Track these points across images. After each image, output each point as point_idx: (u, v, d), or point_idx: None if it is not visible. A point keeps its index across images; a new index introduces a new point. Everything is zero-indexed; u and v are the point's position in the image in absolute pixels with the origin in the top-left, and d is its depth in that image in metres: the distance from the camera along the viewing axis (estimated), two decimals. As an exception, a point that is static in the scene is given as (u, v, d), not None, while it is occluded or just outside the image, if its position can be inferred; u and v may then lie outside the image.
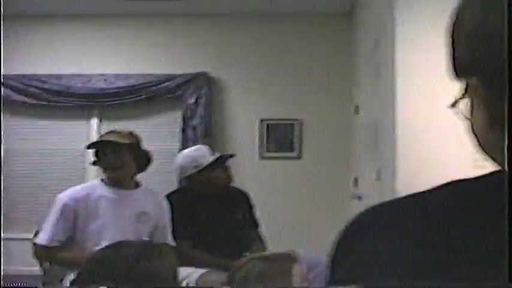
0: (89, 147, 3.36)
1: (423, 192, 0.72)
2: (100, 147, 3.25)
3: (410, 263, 0.63)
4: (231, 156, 4.01)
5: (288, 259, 1.96)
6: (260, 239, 3.94)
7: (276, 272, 1.88)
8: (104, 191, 3.26)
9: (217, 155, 3.78)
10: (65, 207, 3.16)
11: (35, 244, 3.28)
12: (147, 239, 3.27)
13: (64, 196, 3.22)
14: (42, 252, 3.24)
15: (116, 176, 3.24)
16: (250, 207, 3.95)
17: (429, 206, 0.68)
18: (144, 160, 3.31)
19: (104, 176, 3.34)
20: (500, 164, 0.67)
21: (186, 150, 4.00)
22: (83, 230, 3.17)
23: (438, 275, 0.61)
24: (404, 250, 0.65)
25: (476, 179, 0.70)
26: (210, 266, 3.45)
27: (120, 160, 3.22)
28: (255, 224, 3.93)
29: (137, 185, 3.36)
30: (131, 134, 3.32)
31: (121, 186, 3.29)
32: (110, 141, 3.23)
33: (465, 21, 0.68)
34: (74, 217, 3.16)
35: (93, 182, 3.40)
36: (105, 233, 3.14)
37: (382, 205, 0.75)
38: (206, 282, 3.29)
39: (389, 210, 0.74)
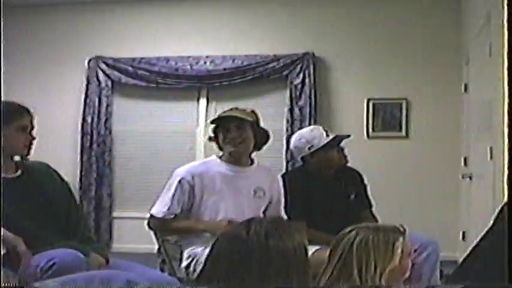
0: (212, 122, 3.47)
1: None
2: (222, 123, 3.37)
3: None
4: (348, 136, 4.09)
5: (394, 231, 1.97)
6: (374, 218, 4.04)
7: (379, 242, 1.90)
8: (220, 167, 3.37)
9: (332, 135, 3.86)
10: (182, 182, 3.28)
11: (151, 216, 3.38)
12: (261, 214, 3.40)
13: (181, 171, 3.35)
14: (157, 224, 3.36)
15: (236, 151, 3.33)
16: (364, 186, 4.04)
17: None
18: (262, 138, 3.44)
19: (221, 153, 3.47)
20: None
21: (301, 130, 4.10)
22: (199, 205, 3.30)
23: None
24: None
25: None
26: (323, 244, 3.48)
27: (242, 136, 3.31)
28: (369, 204, 4.03)
29: (252, 162, 3.47)
30: (253, 112, 3.45)
31: (238, 162, 3.39)
32: (234, 117, 3.34)
33: None
34: (190, 192, 3.29)
35: (209, 159, 3.51)
36: (221, 208, 3.28)
37: None
38: (318, 257, 3.31)
39: None
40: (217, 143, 3.38)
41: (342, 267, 1.91)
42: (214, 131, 3.39)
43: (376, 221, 3.93)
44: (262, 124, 3.41)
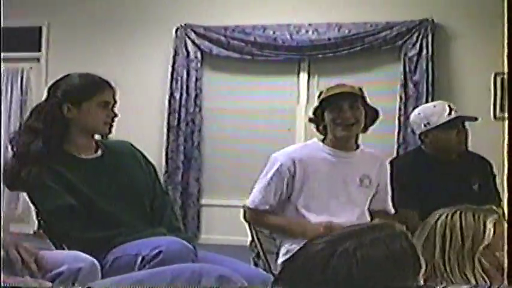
0: (323, 99, 3.31)
1: None
2: (332, 101, 3.26)
3: None
4: (474, 119, 3.95)
5: (486, 210, 2.01)
6: (502, 214, 3.96)
7: (467, 220, 1.94)
8: (324, 152, 3.30)
9: (455, 115, 3.77)
10: (280, 168, 3.23)
11: (245, 206, 3.41)
12: (367, 204, 3.38)
13: (280, 155, 3.29)
14: (251, 215, 3.34)
15: (347, 135, 3.27)
16: (493, 177, 3.96)
17: None
18: (371, 118, 3.33)
19: (323, 136, 3.39)
20: None
21: (424, 105, 4.07)
22: (298, 195, 3.25)
23: None
24: None
25: None
26: None
27: (356, 115, 3.24)
28: (498, 197, 3.92)
29: (358, 146, 3.40)
30: (360, 89, 3.33)
31: (343, 147, 3.32)
32: (349, 93, 3.25)
33: None
34: (290, 180, 3.24)
35: (311, 142, 3.43)
36: (324, 199, 3.23)
37: None
38: None
39: None
40: (319, 124, 3.29)
41: (425, 245, 1.95)
42: (316, 110, 3.29)
43: (502, 217, 3.87)
44: (369, 102, 3.30)
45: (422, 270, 1.49)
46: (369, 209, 3.40)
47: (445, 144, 3.73)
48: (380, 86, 6.14)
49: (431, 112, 3.77)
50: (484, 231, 1.92)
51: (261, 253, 3.41)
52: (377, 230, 1.53)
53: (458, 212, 1.99)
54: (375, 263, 1.40)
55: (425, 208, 3.13)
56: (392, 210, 3.46)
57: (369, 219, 3.31)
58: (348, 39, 6.24)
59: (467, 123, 3.79)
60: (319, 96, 3.30)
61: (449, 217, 1.97)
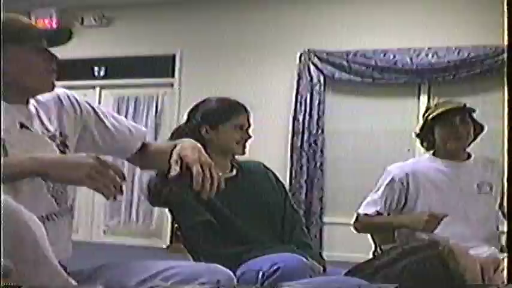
0: (432, 117, 3.53)
1: None
2: (443, 116, 3.46)
3: None
4: None
5: None
6: None
7: None
8: (436, 163, 3.48)
9: None
10: (393, 180, 3.40)
11: (358, 216, 3.52)
12: (495, 212, 3.45)
13: (393, 168, 3.49)
14: (359, 221, 3.52)
15: (458, 146, 3.44)
16: None
17: None
18: (477, 131, 3.54)
19: (434, 150, 3.53)
20: None
21: None
22: (414, 207, 3.41)
23: None
24: None
25: None
26: None
27: (467, 129, 3.46)
28: None
29: (469, 155, 3.56)
30: (465, 105, 3.54)
31: (455, 157, 3.50)
32: (459, 108, 3.45)
33: None
34: (403, 191, 3.41)
35: (423, 157, 3.65)
36: (440, 209, 3.30)
37: None
38: None
39: None
40: (426, 139, 3.52)
41: None
42: (424, 125, 3.51)
43: None
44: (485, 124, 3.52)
45: None
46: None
47: None
48: (498, 107, 6.53)
49: None
50: None
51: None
52: (423, 249, 1.78)
53: None
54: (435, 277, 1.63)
55: None
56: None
57: (491, 225, 3.42)
58: (467, 62, 6.62)
59: None
60: (426, 113, 3.54)
61: None
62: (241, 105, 3.04)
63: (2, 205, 1.48)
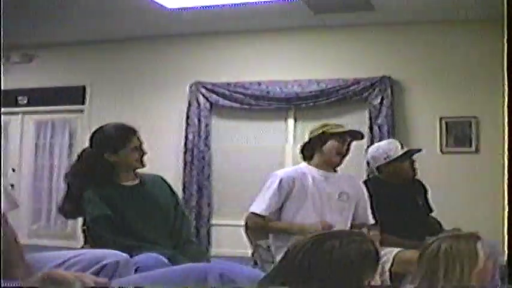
0: (343, 132, 3.99)
1: None
2: (339, 135, 3.93)
3: None
4: (419, 151, 4.65)
5: (473, 237, 2.15)
6: (438, 223, 4.57)
7: (462, 249, 2.08)
8: (312, 172, 3.89)
9: (406, 149, 4.44)
10: (282, 182, 3.77)
11: (250, 213, 3.85)
12: (348, 218, 3.91)
13: (280, 172, 3.87)
14: (255, 221, 3.80)
15: (340, 161, 3.91)
16: (426, 193, 4.66)
17: None
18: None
19: (310, 160, 3.96)
20: None
21: (379, 143, 4.77)
22: (293, 204, 3.79)
23: None
24: None
25: None
26: (398, 246, 3.94)
27: (349, 148, 3.97)
28: (430, 209, 4.63)
29: (335, 170, 4.00)
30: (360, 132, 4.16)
31: (327, 169, 3.92)
32: (353, 131, 4.03)
33: None
34: (289, 192, 3.77)
35: (301, 165, 4.03)
36: (311, 209, 3.76)
37: None
38: (401, 258, 3.81)
39: None
40: (311, 152, 3.94)
41: (429, 277, 2.11)
42: (315, 138, 3.94)
43: (440, 224, 4.57)
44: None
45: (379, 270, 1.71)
46: (352, 223, 3.95)
47: (401, 172, 4.43)
48: (351, 128, 7.79)
49: (388, 148, 4.46)
50: (476, 257, 2.08)
51: (259, 262, 3.91)
52: (353, 234, 1.78)
53: (454, 245, 2.12)
54: (351, 259, 1.63)
55: (389, 220, 4.09)
56: (372, 221, 4.04)
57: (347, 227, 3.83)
58: (325, 92, 7.58)
59: (418, 157, 4.52)
60: (315, 132, 3.96)
61: (447, 250, 2.11)
62: (131, 128, 3.32)
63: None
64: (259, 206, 3.80)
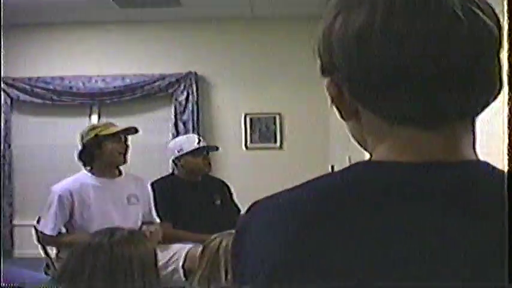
0: (107, 135, 3.96)
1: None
2: (112, 136, 3.95)
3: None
4: (216, 148, 4.96)
5: None
6: None
7: None
8: (92, 180, 3.95)
9: (202, 144, 4.59)
10: (60, 199, 3.83)
11: (41, 233, 3.98)
12: (139, 218, 4.06)
13: (57, 188, 3.91)
14: (47, 240, 3.97)
15: (120, 162, 3.98)
16: (230, 194, 4.83)
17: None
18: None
19: (90, 167, 4.03)
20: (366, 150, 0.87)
21: (178, 137, 4.96)
22: (79, 216, 3.87)
23: None
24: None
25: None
26: (194, 241, 4.12)
27: (126, 145, 4.05)
28: (237, 209, 4.73)
29: (120, 172, 4.08)
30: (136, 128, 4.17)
31: (108, 174, 4.00)
32: (130, 129, 4.05)
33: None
34: (71, 207, 3.85)
35: (80, 174, 4.07)
36: (101, 216, 3.82)
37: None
38: (193, 253, 3.94)
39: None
40: (92, 154, 3.97)
41: (210, 271, 2.18)
42: (86, 145, 3.99)
43: None
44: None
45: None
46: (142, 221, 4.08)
47: (193, 167, 4.54)
48: (157, 124, 7.74)
49: (184, 141, 4.63)
50: None
51: (50, 264, 4.27)
52: (134, 234, 1.87)
53: (229, 235, 2.22)
54: (128, 257, 1.68)
55: (182, 218, 4.28)
56: (158, 220, 4.22)
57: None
58: (130, 88, 7.61)
59: (223, 153, 4.76)
60: (93, 134, 3.96)
61: (227, 247, 2.18)
62: None
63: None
64: (47, 225, 3.87)
